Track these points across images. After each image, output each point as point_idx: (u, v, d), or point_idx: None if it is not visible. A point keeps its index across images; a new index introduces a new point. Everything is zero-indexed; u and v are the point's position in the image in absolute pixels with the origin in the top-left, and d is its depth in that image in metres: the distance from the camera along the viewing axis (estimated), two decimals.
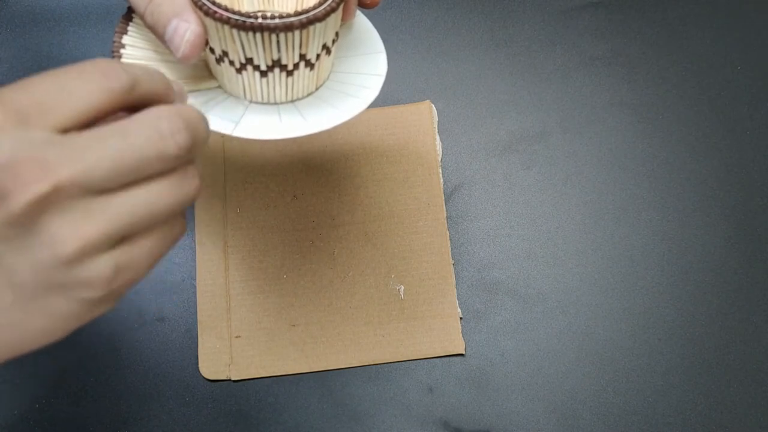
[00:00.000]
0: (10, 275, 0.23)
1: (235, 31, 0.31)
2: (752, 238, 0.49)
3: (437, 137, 0.51)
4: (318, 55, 0.34)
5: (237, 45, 0.32)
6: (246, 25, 0.30)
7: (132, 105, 0.25)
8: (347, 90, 0.36)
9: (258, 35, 0.31)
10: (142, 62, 0.34)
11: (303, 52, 0.33)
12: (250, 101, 0.35)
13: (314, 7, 0.31)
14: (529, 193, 0.50)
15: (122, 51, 0.34)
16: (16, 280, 0.23)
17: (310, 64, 0.34)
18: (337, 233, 0.48)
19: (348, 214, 0.49)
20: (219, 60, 0.33)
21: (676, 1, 0.55)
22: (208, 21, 0.31)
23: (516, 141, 0.51)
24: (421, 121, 0.51)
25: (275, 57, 0.32)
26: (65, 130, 0.23)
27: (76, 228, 0.23)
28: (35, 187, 0.22)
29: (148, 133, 0.23)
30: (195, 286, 0.47)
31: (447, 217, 0.49)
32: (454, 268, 0.48)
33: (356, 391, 0.46)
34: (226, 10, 0.31)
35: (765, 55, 0.53)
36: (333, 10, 0.32)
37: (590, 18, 0.54)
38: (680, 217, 0.49)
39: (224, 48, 0.32)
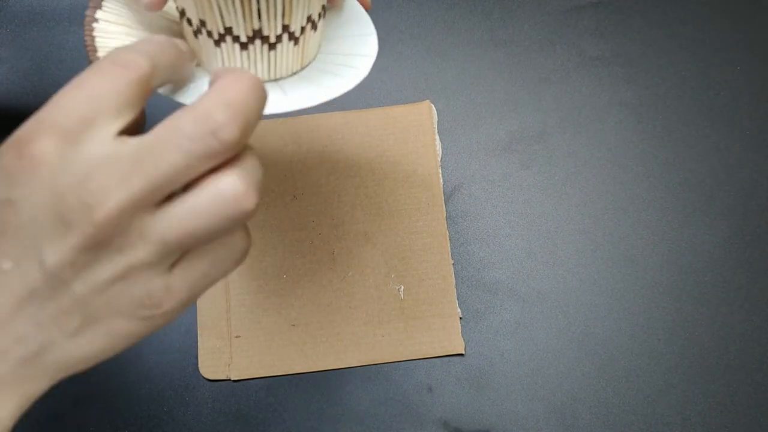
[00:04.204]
0: (77, 302, 0.23)
1: None
2: (752, 238, 0.49)
3: (437, 137, 0.51)
4: (303, 29, 0.32)
5: (215, 11, 0.30)
6: None
7: (159, 84, 0.25)
8: (334, 70, 0.34)
9: None
10: (117, 36, 0.33)
11: (286, 22, 0.31)
12: None
13: None
14: (529, 193, 0.50)
15: (95, 25, 0.32)
16: (83, 305, 0.23)
17: (294, 38, 0.32)
18: (336, 233, 0.48)
19: (348, 214, 0.49)
20: (197, 32, 0.31)
21: (676, 1, 0.55)
22: None
23: (515, 141, 0.51)
24: (421, 121, 0.51)
25: (256, 26, 0.30)
26: (115, 136, 0.23)
27: (147, 244, 0.23)
28: (104, 211, 0.22)
29: (202, 131, 0.22)
30: None
31: (447, 217, 0.49)
32: (454, 268, 0.48)
33: (356, 391, 0.46)
34: None
35: (765, 55, 0.53)
36: None
37: (590, 18, 0.54)
38: (680, 217, 0.49)
39: (202, 17, 0.30)
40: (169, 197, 0.23)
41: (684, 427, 0.45)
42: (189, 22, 0.31)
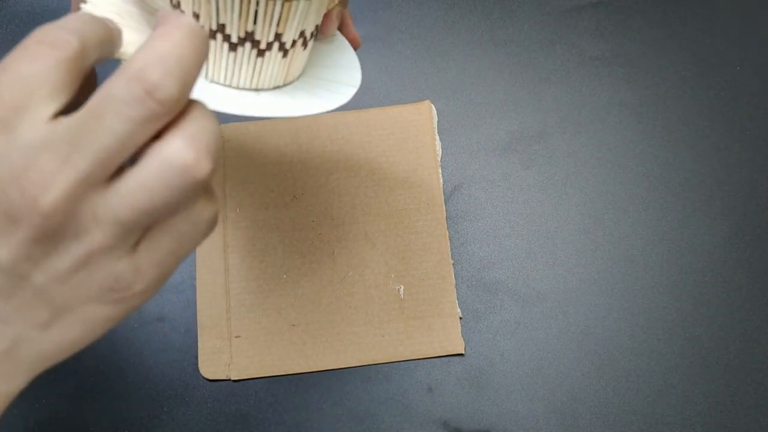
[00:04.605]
0: (42, 294, 0.22)
1: None
2: (752, 238, 0.49)
3: (437, 137, 0.51)
4: (294, 42, 0.32)
5: (212, 5, 0.29)
6: None
7: (92, 61, 0.23)
8: (314, 92, 0.34)
9: None
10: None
11: (280, 30, 0.31)
12: (211, 80, 0.32)
13: None
14: (529, 193, 0.50)
15: (83, 5, 0.31)
16: (49, 297, 0.22)
17: (284, 49, 0.32)
18: (336, 233, 0.48)
19: (348, 214, 0.49)
20: None
21: (676, 1, 0.55)
22: None
23: (515, 141, 0.51)
24: (421, 121, 0.51)
25: (249, 29, 0.30)
26: (50, 119, 0.21)
27: (102, 226, 0.21)
28: (50, 199, 0.20)
29: (136, 93, 0.20)
30: (195, 286, 0.47)
31: (447, 217, 0.49)
32: (454, 268, 0.48)
33: (356, 391, 0.46)
34: None
35: (765, 55, 0.53)
36: None
37: (590, 18, 0.54)
38: (680, 217, 0.49)
39: (196, 9, 0.30)
40: (120, 171, 0.21)
41: (684, 427, 0.45)
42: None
